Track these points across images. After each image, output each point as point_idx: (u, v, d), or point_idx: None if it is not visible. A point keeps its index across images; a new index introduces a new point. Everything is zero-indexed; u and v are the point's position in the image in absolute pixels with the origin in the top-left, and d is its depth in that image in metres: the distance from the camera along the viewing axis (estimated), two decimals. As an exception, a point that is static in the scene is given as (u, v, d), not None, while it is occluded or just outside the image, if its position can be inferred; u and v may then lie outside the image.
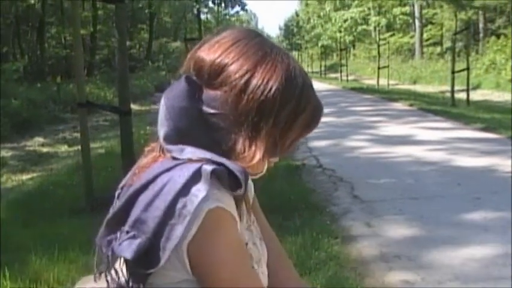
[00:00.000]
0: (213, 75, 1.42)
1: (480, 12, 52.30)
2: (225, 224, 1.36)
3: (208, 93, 1.42)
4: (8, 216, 7.96)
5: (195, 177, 1.32)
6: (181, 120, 1.40)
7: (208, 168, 1.33)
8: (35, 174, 12.31)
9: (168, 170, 1.36)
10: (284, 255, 1.88)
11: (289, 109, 1.45)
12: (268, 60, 1.44)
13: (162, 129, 1.43)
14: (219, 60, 1.42)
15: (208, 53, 1.44)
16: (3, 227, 7.12)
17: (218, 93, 1.41)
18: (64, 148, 16.22)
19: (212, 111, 1.41)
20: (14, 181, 11.58)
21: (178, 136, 1.41)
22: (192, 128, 1.41)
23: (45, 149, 16.27)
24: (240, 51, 1.43)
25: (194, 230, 1.30)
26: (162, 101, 1.44)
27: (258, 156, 1.43)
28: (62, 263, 5.87)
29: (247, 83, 1.41)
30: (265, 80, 1.42)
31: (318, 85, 38.59)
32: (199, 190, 1.31)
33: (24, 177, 12.05)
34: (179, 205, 1.30)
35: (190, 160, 1.36)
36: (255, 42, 1.46)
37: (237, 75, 1.41)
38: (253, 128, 1.43)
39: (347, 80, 49.26)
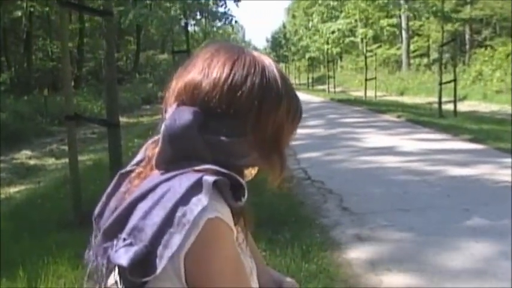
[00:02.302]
0: (225, 105, 1.40)
1: (466, 23, 52.60)
2: (224, 234, 1.34)
3: (220, 123, 1.41)
4: (-5, 229, 7.90)
5: (196, 187, 1.31)
6: (186, 151, 1.39)
7: (210, 178, 1.32)
8: (22, 187, 12.26)
9: (169, 179, 1.35)
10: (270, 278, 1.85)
11: (292, 114, 1.51)
12: (268, 73, 1.46)
13: (165, 161, 1.41)
14: (226, 88, 1.41)
15: (210, 81, 1.42)
16: (-10, 241, 7.06)
17: (235, 122, 1.41)
18: (52, 161, 16.18)
19: (230, 139, 1.40)
20: (2, 194, 11.52)
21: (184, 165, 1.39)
22: (199, 157, 1.39)
23: (32, 162, 16.22)
24: (243, 73, 1.43)
25: (192, 239, 1.28)
26: (164, 131, 1.40)
27: (285, 167, 1.51)
28: (50, 277, 5.81)
29: (261, 103, 1.43)
30: (274, 96, 1.46)
31: (305, 97, 38.69)
32: (200, 200, 1.29)
33: (12, 190, 12.00)
34: (179, 213, 1.28)
35: (194, 170, 1.35)
36: (249, 57, 1.47)
37: (250, 99, 1.42)
38: (273, 145, 1.47)
39: (334, 92, 49.41)
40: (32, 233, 7.50)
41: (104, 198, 1.51)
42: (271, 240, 6.79)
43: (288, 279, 1.87)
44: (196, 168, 1.35)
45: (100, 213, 1.49)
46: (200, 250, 1.29)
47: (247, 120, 1.41)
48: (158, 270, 1.27)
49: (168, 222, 1.28)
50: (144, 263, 1.28)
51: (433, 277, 5.87)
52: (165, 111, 1.45)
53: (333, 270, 6.11)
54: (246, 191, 1.37)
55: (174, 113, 1.40)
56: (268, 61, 1.50)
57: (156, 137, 1.49)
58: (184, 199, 1.29)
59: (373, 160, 12.80)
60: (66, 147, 10.19)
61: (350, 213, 8.44)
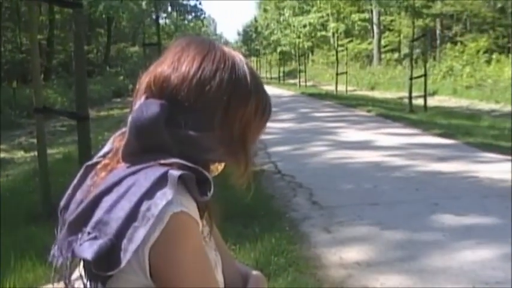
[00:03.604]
0: (193, 99, 1.40)
1: (437, 19, 52.90)
2: (189, 228, 1.34)
3: (188, 117, 1.40)
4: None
5: (161, 181, 1.31)
6: (153, 143, 1.38)
7: (175, 173, 1.32)
8: (-10, 181, 12.13)
9: (134, 173, 1.35)
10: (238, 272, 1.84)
11: (261, 111, 1.52)
12: (238, 69, 1.47)
13: (131, 153, 1.41)
14: (195, 82, 1.41)
15: (179, 74, 1.42)
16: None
17: (203, 116, 1.41)
18: (20, 154, 16.04)
19: (197, 133, 1.40)
20: (-31, 187, 11.40)
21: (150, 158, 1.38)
22: (166, 150, 1.38)
23: (1, 155, 16.06)
24: (212, 68, 1.43)
25: (157, 233, 1.28)
26: (131, 123, 1.40)
27: (250, 164, 1.52)
28: (18, 271, 5.77)
29: (230, 99, 1.43)
30: (243, 92, 1.47)
31: (276, 91, 38.76)
32: (165, 194, 1.29)
33: (-20, 183, 11.87)
34: (143, 207, 1.28)
35: (159, 164, 1.35)
36: (220, 53, 1.47)
37: (219, 95, 1.42)
38: (239, 141, 1.47)
39: (306, 86, 49.54)
40: (0, 227, 7.44)
41: (69, 190, 1.51)
42: (241, 234, 6.79)
43: (255, 272, 1.86)
44: (162, 161, 1.35)
45: (66, 206, 1.48)
46: (165, 244, 1.29)
47: (215, 115, 1.41)
48: (122, 264, 1.27)
49: (132, 216, 1.28)
50: (108, 256, 1.27)
51: (401, 270, 5.91)
52: (135, 104, 1.45)
53: (302, 263, 6.13)
54: (212, 186, 1.37)
55: (142, 106, 1.40)
56: (238, 57, 1.50)
57: (123, 129, 1.48)
58: (149, 193, 1.29)
59: (343, 154, 12.85)
60: (35, 140, 10.10)
61: (319, 207, 8.47)
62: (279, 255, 6.19)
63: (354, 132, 16.97)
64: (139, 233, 1.27)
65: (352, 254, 6.46)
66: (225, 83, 1.42)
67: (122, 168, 1.40)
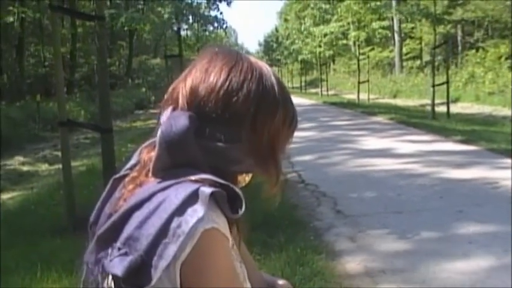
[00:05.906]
0: (220, 110, 1.40)
1: (458, 25, 52.68)
2: (220, 245, 1.34)
3: (215, 129, 1.40)
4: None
5: (192, 197, 1.30)
6: (183, 157, 1.38)
7: (206, 190, 1.31)
8: (15, 194, 12.20)
9: (164, 189, 1.34)
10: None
11: (289, 122, 1.51)
12: (265, 80, 1.46)
13: (162, 168, 1.40)
14: (222, 93, 1.40)
15: (207, 85, 1.42)
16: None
17: (230, 127, 1.40)
18: (45, 167, 16.11)
19: (224, 145, 1.40)
20: (-5, 201, 11.47)
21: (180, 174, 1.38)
22: (196, 164, 1.38)
23: (25, 168, 16.16)
24: (239, 79, 1.43)
25: (188, 250, 1.28)
26: (161, 138, 1.38)
27: (280, 174, 1.51)
28: (44, 283, 5.81)
29: (257, 109, 1.43)
30: (271, 103, 1.46)
31: (298, 100, 38.67)
32: (196, 211, 1.29)
33: (5, 196, 11.94)
34: (174, 224, 1.28)
35: (190, 180, 1.34)
36: (247, 63, 1.46)
37: (246, 106, 1.41)
38: (269, 152, 1.47)
39: (327, 95, 49.45)
40: (25, 240, 7.48)
41: (99, 204, 1.51)
42: (266, 244, 6.79)
43: (281, 281, 1.87)
44: (193, 178, 1.34)
45: (95, 220, 1.48)
46: (197, 260, 1.29)
47: (242, 127, 1.41)
48: (153, 281, 1.27)
49: (163, 232, 1.28)
50: (138, 273, 1.28)
51: (427, 279, 5.88)
52: (162, 116, 1.44)
53: (328, 273, 6.11)
54: (243, 203, 1.37)
55: (170, 118, 1.39)
56: (266, 68, 1.49)
57: (150, 141, 1.49)
58: (180, 210, 1.29)
59: (366, 162, 12.80)
60: (59, 153, 10.17)
61: (343, 216, 8.44)
62: (304, 265, 6.18)
63: (377, 140, 16.90)
64: (169, 250, 1.27)
65: (377, 263, 6.44)
66: (253, 93, 1.42)
67: (152, 184, 1.39)
